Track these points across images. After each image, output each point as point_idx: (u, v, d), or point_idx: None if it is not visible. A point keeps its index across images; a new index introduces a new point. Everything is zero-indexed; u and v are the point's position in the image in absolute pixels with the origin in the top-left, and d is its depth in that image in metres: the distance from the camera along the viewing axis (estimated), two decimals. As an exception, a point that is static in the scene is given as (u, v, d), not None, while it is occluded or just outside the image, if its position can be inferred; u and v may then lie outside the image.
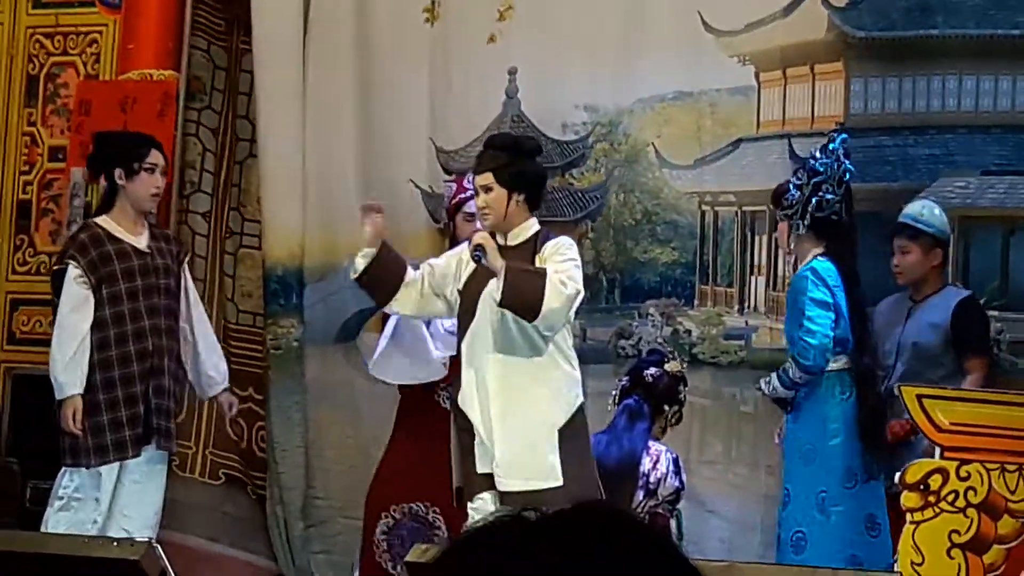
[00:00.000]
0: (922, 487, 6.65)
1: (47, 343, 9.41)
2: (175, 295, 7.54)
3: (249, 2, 9.30)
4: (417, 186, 8.88)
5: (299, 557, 8.91)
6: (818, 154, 7.14)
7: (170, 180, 9.27)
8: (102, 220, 7.43)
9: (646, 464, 7.26)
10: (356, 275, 7.07)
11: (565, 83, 8.92)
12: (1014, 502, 6.57)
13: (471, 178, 7.59)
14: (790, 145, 8.44)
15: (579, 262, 6.91)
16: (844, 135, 7.19)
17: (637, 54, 8.77)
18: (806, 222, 7.06)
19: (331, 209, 8.81)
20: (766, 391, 7.23)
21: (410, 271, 7.07)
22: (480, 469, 6.89)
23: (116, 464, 7.35)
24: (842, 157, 7.05)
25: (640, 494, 7.23)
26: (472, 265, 6.95)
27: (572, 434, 6.85)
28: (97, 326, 7.39)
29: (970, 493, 6.59)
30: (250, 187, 9.49)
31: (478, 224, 7.45)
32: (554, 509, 1.66)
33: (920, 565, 6.57)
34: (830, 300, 7.00)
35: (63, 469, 7.42)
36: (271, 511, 9.08)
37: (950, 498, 6.58)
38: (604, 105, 8.91)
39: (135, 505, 7.43)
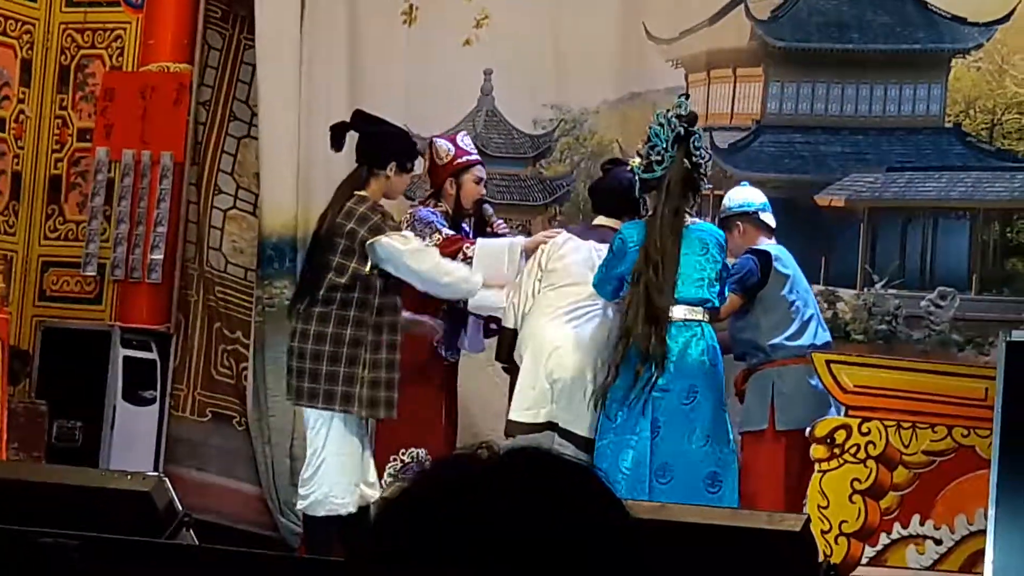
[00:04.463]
0: (828, 440, 6.69)
1: (73, 300, 9.44)
2: None
3: (252, 3, 9.28)
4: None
5: (283, 491, 8.86)
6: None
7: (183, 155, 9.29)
8: (369, 194, 7.09)
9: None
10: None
11: (535, 85, 8.88)
12: (908, 455, 6.64)
13: (465, 139, 7.55)
14: (711, 137, 8.38)
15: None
16: (681, 98, 6.87)
17: (597, 61, 8.73)
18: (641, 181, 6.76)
19: (323, 188, 8.75)
20: None
21: None
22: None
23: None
24: (673, 120, 6.72)
25: None
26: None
27: None
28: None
29: (870, 446, 6.66)
30: (245, 161, 9.49)
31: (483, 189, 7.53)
32: (506, 448, 1.59)
33: (825, 508, 6.66)
34: (619, 271, 6.74)
35: None
36: (259, 449, 9.04)
37: (852, 451, 6.67)
38: (569, 105, 8.86)
39: None
